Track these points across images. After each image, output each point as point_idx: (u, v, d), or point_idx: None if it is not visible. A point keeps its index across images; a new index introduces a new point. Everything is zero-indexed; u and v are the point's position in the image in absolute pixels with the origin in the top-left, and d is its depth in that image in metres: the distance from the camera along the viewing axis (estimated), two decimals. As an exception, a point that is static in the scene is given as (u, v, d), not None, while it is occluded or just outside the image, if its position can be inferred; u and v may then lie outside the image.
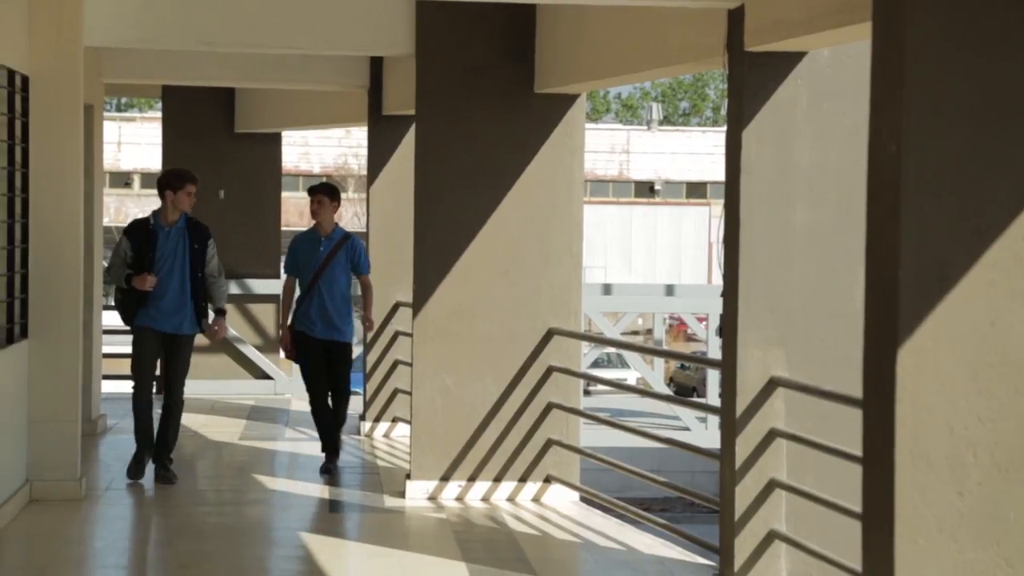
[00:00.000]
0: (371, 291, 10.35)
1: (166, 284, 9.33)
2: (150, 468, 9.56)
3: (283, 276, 10.68)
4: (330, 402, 10.14)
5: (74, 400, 8.98)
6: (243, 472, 10.22)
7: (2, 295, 8.27)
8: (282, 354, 10.33)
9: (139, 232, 9.43)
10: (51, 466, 8.88)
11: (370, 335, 11.38)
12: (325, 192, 10.12)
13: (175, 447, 9.70)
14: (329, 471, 10.00)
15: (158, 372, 10.34)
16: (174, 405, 9.51)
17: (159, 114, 18.02)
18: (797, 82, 6.62)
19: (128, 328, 9.64)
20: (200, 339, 9.77)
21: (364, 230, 12.47)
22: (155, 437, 9.50)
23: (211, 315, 9.58)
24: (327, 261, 9.97)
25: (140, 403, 9.51)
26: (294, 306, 10.16)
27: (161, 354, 9.57)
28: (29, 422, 8.80)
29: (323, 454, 10.18)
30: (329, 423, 10.10)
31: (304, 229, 10.46)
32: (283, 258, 10.94)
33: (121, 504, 9.00)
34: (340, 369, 10.14)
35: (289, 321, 10.14)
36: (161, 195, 9.49)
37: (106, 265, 9.61)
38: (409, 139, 11.26)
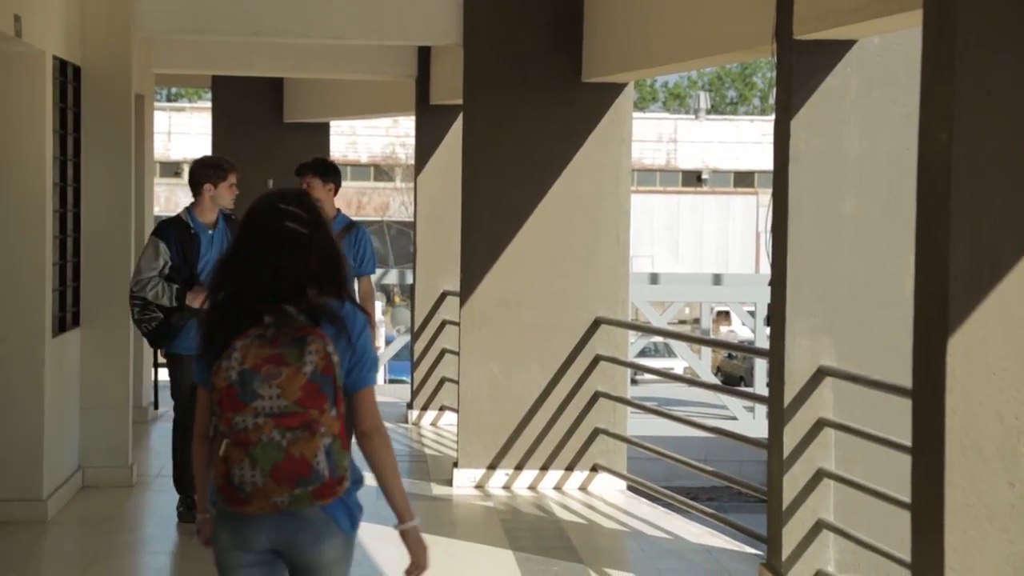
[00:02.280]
0: (372, 300, 8.51)
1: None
2: None
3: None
4: None
5: (125, 387, 9.07)
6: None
7: (54, 284, 8.35)
8: None
9: (179, 238, 7.78)
10: (103, 453, 8.97)
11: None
12: (315, 171, 8.10)
13: None
14: None
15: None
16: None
17: (209, 104, 18.15)
18: (847, 70, 6.59)
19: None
20: None
21: (412, 219, 12.51)
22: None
23: None
24: None
25: (184, 440, 7.86)
26: None
27: None
28: (81, 409, 8.89)
29: None
30: None
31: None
32: None
33: (171, 491, 9.09)
34: None
35: None
36: (197, 190, 7.85)
37: (138, 280, 7.78)
38: (456, 128, 11.28)
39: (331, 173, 8.08)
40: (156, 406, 8.48)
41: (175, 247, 7.76)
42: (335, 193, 8.08)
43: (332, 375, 3.75)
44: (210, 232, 7.87)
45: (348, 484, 3.82)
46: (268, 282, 3.83)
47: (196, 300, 7.62)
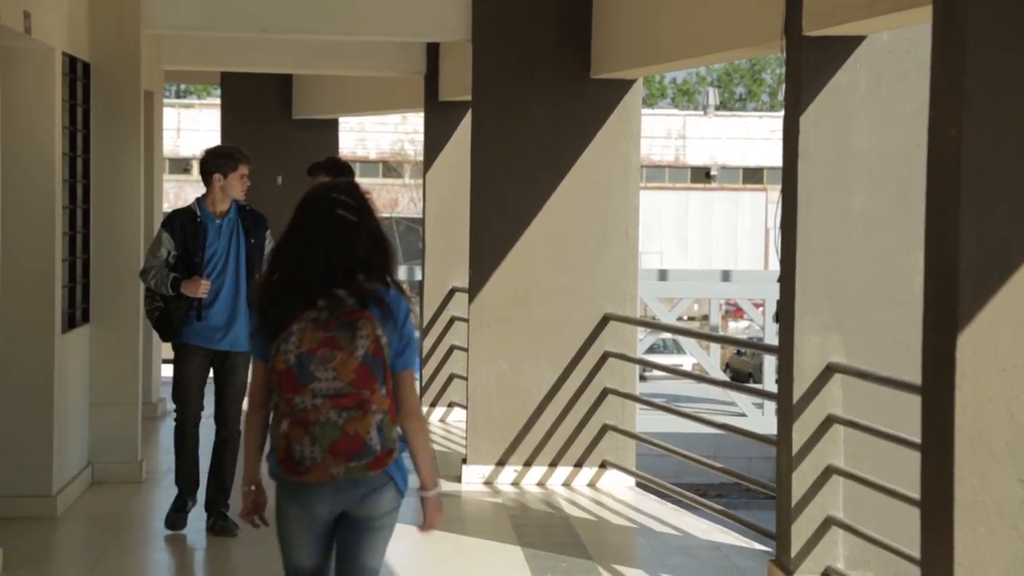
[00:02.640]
0: None
1: (217, 289, 7.56)
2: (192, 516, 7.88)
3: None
4: None
5: (134, 383, 9.08)
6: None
7: (64, 280, 8.37)
8: None
9: (184, 225, 7.58)
10: (112, 449, 8.99)
11: None
12: (327, 170, 7.94)
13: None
14: None
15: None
16: (231, 438, 7.65)
17: (218, 100, 18.16)
18: (856, 66, 6.58)
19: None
20: None
21: (421, 216, 12.51)
22: (208, 479, 7.74)
23: None
24: None
25: (185, 438, 7.74)
26: None
27: (208, 376, 7.79)
28: (90, 405, 8.91)
29: None
30: None
31: None
32: None
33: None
34: None
35: None
36: (207, 179, 7.63)
37: (143, 269, 7.71)
38: (465, 125, 11.28)
39: (343, 172, 7.86)
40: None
41: (179, 236, 7.56)
42: None
43: (381, 357, 4.13)
44: (218, 222, 7.60)
45: (397, 453, 4.24)
46: (321, 266, 4.16)
47: (191, 289, 7.47)
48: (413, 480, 4.40)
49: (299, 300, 4.15)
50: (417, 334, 4.31)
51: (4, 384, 7.11)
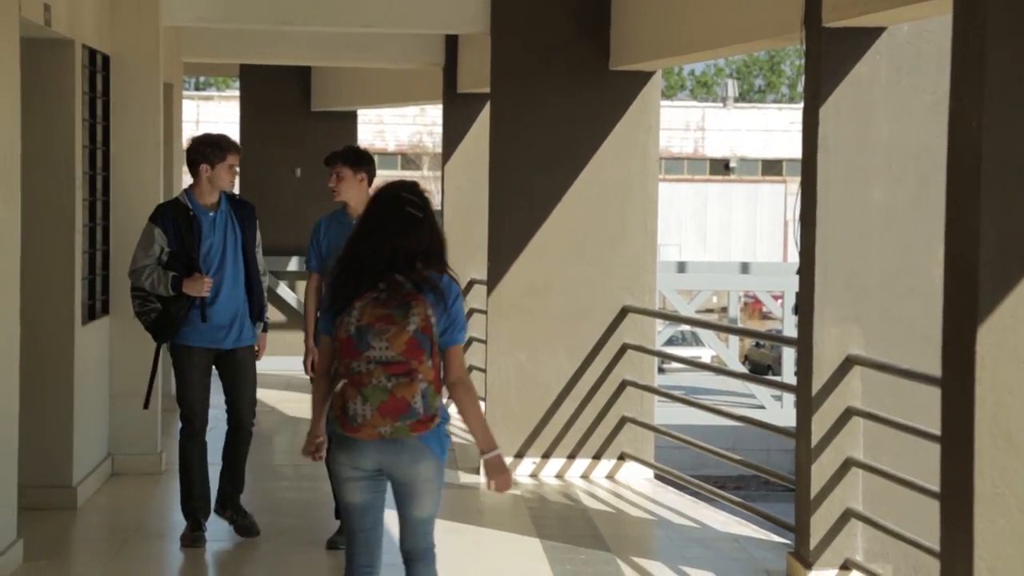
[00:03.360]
0: None
1: (217, 286, 7.21)
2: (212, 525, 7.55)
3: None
4: None
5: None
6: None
7: (84, 272, 8.39)
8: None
9: (177, 221, 7.15)
10: (132, 440, 9.02)
11: None
12: (346, 161, 7.28)
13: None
14: (336, 545, 7.24)
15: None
16: (247, 435, 7.40)
17: (237, 93, 18.19)
18: (876, 57, 6.56)
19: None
20: None
21: (439, 208, 12.52)
22: (220, 476, 7.46)
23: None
24: None
25: (192, 446, 7.33)
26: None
27: (211, 375, 7.40)
28: (110, 397, 8.94)
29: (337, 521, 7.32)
30: None
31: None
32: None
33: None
34: None
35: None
36: (194, 170, 7.22)
37: (133, 269, 7.21)
38: (484, 117, 11.28)
39: (363, 162, 7.28)
40: (146, 406, 7.55)
41: (172, 232, 7.13)
42: (369, 183, 7.24)
43: (429, 334, 4.74)
44: (211, 215, 7.20)
45: (439, 420, 4.80)
46: (388, 254, 4.79)
47: (195, 288, 7.09)
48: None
49: (364, 282, 4.78)
50: (465, 312, 4.75)
51: (25, 375, 7.13)
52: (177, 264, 7.11)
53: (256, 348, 7.40)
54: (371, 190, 7.00)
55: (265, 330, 7.46)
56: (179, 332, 7.19)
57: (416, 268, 4.81)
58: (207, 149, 7.19)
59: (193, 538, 7.29)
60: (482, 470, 4.86)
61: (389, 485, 4.92)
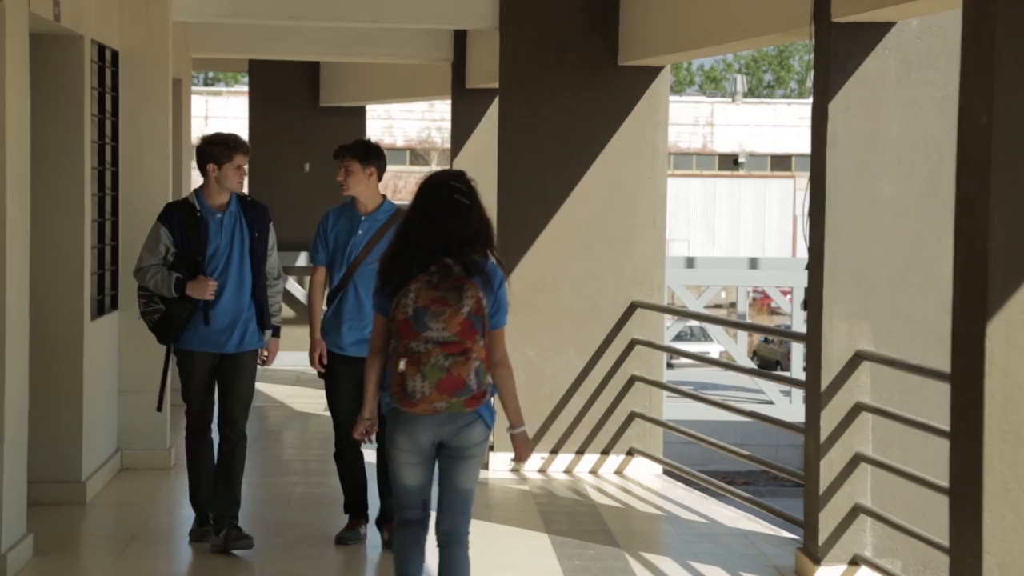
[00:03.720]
0: None
1: (220, 289, 7.01)
2: None
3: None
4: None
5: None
6: (328, 443, 10.30)
7: (93, 267, 8.40)
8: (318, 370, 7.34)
9: (184, 222, 6.99)
10: (141, 435, 9.03)
11: None
12: (355, 155, 7.09)
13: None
14: (344, 540, 7.26)
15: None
16: (240, 441, 7.10)
17: (246, 88, 18.22)
18: (885, 52, 6.55)
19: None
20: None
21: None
22: (215, 489, 7.14)
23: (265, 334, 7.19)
24: (367, 249, 7.04)
25: (199, 442, 7.21)
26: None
27: (214, 377, 7.16)
28: (119, 392, 8.95)
29: (346, 516, 7.39)
30: (360, 482, 7.33)
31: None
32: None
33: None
34: None
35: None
36: (202, 169, 7.06)
37: (138, 268, 7.06)
38: (492, 112, 11.28)
39: (372, 156, 7.08)
40: (159, 408, 7.48)
41: (178, 232, 6.96)
42: (378, 178, 7.10)
43: (481, 315, 5.07)
44: (219, 216, 7.00)
45: (489, 395, 5.16)
46: (439, 240, 5.10)
47: (198, 290, 6.91)
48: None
49: (415, 266, 5.09)
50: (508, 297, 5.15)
51: (34, 371, 7.15)
52: (182, 265, 6.95)
53: (265, 353, 7.18)
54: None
55: (276, 335, 7.20)
56: (182, 335, 7.01)
57: (465, 252, 5.11)
58: (214, 148, 7.00)
59: (201, 532, 7.21)
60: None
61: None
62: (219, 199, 7.03)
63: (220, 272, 6.98)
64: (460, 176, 5.27)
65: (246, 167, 7.11)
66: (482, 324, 5.08)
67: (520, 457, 5.35)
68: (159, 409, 7.49)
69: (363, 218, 7.08)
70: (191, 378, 7.09)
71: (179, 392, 7.18)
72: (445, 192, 5.18)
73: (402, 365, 5.02)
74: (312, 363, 7.20)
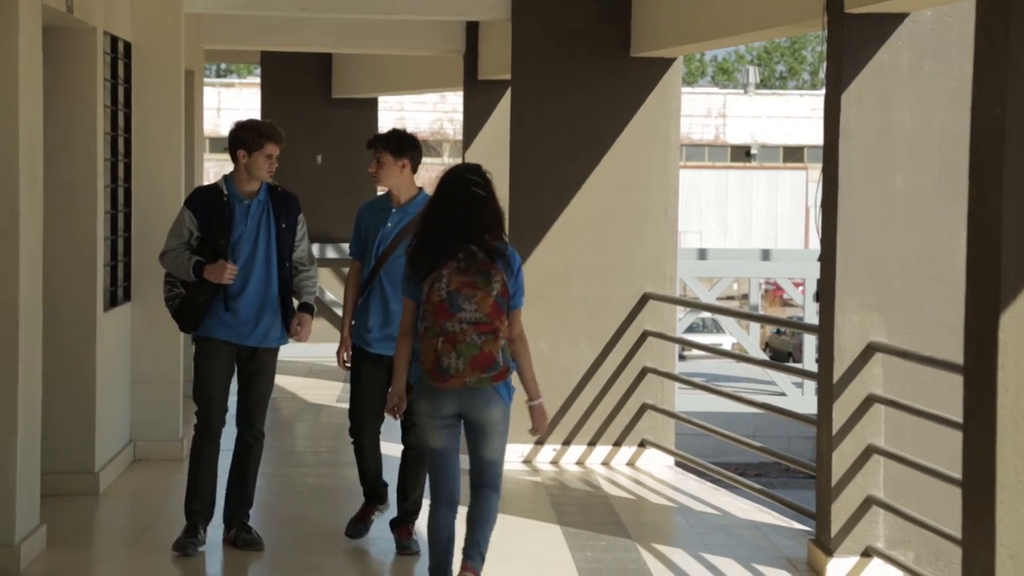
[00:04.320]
0: None
1: (246, 278, 6.80)
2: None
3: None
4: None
5: (176, 362, 9.14)
6: (340, 434, 10.28)
7: (106, 259, 8.42)
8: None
9: (209, 205, 6.81)
10: (153, 426, 9.05)
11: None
12: (387, 146, 6.91)
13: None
14: (354, 533, 7.18)
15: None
16: (256, 442, 6.97)
17: (258, 80, 18.22)
18: (898, 44, 6.53)
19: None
20: None
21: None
22: (228, 487, 7.02)
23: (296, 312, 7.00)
24: (395, 242, 6.84)
25: (207, 444, 6.92)
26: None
27: (233, 373, 6.94)
28: (132, 383, 8.97)
29: (365, 501, 7.25)
30: (376, 473, 7.15)
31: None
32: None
33: (222, 465, 9.17)
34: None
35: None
36: (233, 155, 6.88)
37: (163, 252, 6.90)
38: (504, 104, 11.27)
39: (405, 148, 6.87)
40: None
41: (203, 216, 6.78)
42: (412, 169, 6.89)
43: (506, 297, 5.58)
44: (247, 203, 6.81)
45: (510, 371, 5.63)
46: (460, 228, 5.58)
47: (215, 274, 6.69)
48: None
49: (443, 254, 5.56)
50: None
51: (47, 362, 7.16)
52: (205, 250, 6.76)
53: (296, 331, 6.89)
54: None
55: (309, 312, 6.94)
56: (203, 323, 6.81)
57: (485, 239, 5.60)
58: (245, 134, 6.81)
59: (184, 544, 6.84)
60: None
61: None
62: (248, 187, 6.83)
63: (245, 261, 6.77)
64: (476, 169, 5.73)
65: (276, 157, 6.89)
66: (506, 305, 5.57)
67: (537, 429, 5.78)
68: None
69: (394, 210, 6.89)
70: (209, 368, 6.81)
71: (192, 384, 7.05)
72: (463, 185, 5.65)
73: (439, 344, 5.49)
74: (339, 361, 7.04)
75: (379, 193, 7.37)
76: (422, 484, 6.90)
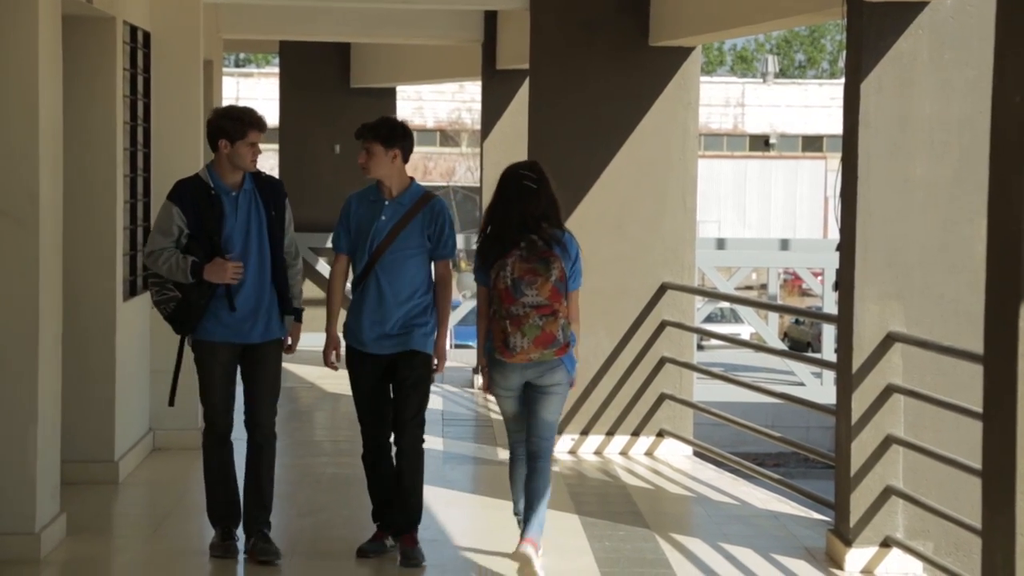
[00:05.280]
0: (448, 289, 6.72)
1: (240, 273, 6.45)
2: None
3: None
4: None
5: (195, 351, 9.15)
6: (358, 424, 10.35)
7: (125, 248, 8.44)
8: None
9: (197, 200, 6.41)
10: (173, 415, 9.04)
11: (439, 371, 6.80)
12: (377, 136, 6.48)
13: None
14: (366, 553, 6.72)
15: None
16: (267, 443, 6.60)
17: (276, 70, 18.23)
18: (918, 32, 6.50)
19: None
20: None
21: (478, 184, 12.51)
22: (243, 495, 6.68)
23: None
24: (391, 236, 6.48)
25: (215, 449, 6.67)
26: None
27: (237, 372, 6.63)
28: (152, 372, 8.99)
29: (389, 538, 6.78)
30: (386, 492, 6.70)
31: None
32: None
33: (241, 454, 9.19)
34: (410, 398, 6.55)
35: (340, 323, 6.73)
36: (213, 145, 6.48)
37: (149, 252, 6.48)
38: (523, 93, 11.27)
39: (395, 137, 6.46)
40: (171, 402, 6.78)
41: (192, 211, 6.39)
42: (404, 159, 6.49)
43: (564, 281, 6.19)
44: (234, 194, 6.44)
45: (571, 344, 6.26)
46: (517, 219, 6.22)
47: (216, 274, 6.35)
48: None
49: (507, 243, 6.22)
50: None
51: (67, 351, 7.18)
52: (197, 248, 6.37)
53: (288, 341, 6.63)
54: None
55: (298, 319, 6.64)
56: (200, 326, 6.45)
57: (543, 228, 6.21)
58: (227, 123, 6.42)
59: (224, 547, 6.61)
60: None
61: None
62: (232, 177, 6.45)
63: (239, 256, 6.41)
64: (530, 165, 6.42)
65: (260, 145, 6.51)
66: (565, 289, 6.17)
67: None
68: (171, 404, 6.79)
69: (387, 203, 6.51)
70: (212, 373, 6.50)
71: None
72: (516, 179, 6.30)
73: (506, 325, 6.15)
74: (325, 361, 6.68)
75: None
76: (420, 489, 6.63)
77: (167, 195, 6.54)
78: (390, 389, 6.60)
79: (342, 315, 6.62)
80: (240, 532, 6.69)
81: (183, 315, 6.45)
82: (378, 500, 6.74)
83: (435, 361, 6.61)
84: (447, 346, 6.84)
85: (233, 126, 6.42)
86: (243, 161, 6.44)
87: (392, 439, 6.64)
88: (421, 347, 6.53)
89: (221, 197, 6.43)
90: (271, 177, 6.66)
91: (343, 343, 6.67)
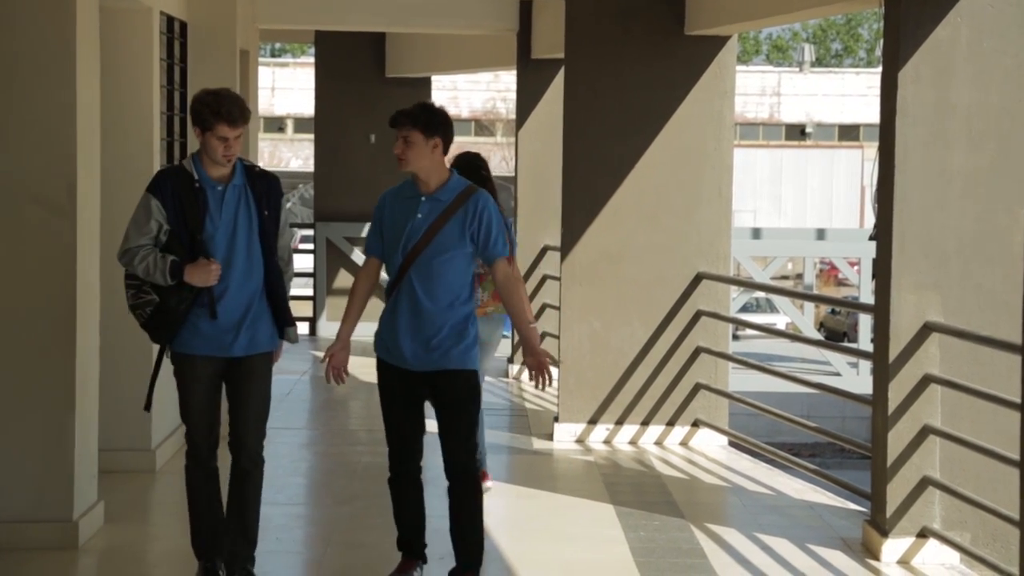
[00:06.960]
0: (516, 289, 5.91)
1: (225, 276, 5.68)
2: None
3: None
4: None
5: (231, 340, 9.17)
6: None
7: (162, 238, 8.46)
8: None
9: (180, 193, 5.65)
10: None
11: (545, 383, 5.83)
12: (415, 123, 5.75)
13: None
14: None
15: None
16: (254, 468, 5.85)
17: (312, 59, 18.25)
18: (957, 20, 6.46)
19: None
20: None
21: (513, 174, 12.50)
22: (227, 525, 5.91)
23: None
24: (428, 237, 5.74)
25: (198, 472, 5.91)
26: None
27: (222, 388, 5.86)
28: (187, 362, 9.01)
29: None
30: (417, 516, 6.08)
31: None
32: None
33: (274, 443, 9.19)
34: (454, 422, 5.82)
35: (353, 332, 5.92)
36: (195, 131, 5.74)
37: (125, 250, 5.74)
38: (558, 83, 11.24)
39: (436, 125, 5.74)
40: (147, 407, 6.04)
41: (172, 206, 5.64)
42: (444, 150, 5.79)
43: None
44: (220, 188, 5.67)
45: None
46: None
47: (199, 276, 5.61)
48: None
49: None
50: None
51: (104, 341, 7.23)
52: (177, 246, 5.64)
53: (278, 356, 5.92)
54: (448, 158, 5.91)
55: (291, 339, 5.87)
56: (180, 335, 5.71)
57: None
58: (199, 108, 5.65)
59: None
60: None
61: None
62: (217, 170, 5.69)
63: (225, 255, 5.65)
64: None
65: (238, 139, 5.69)
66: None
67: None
68: (147, 409, 6.08)
69: (423, 199, 5.77)
70: (190, 389, 5.76)
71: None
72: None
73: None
74: (326, 373, 5.84)
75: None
76: (480, 526, 5.90)
77: (147, 186, 5.78)
78: (423, 412, 5.88)
79: (361, 327, 5.86)
80: (223, 568, 5.91)
81: (161, 322, 5.69)
82: (405, 529, 6.07)
83: (537, 367, 5.71)
84: (538, 343, 5.83)
85: (205, 113, 5.63)
86: (213, 154, 5.64)
87: (441, 468, 5.93)
88: (461, 365, 5.73)
89: (206, 190, 5.67)
90: (266, 172, 5.89)
91: (349, 353, 5.87)
